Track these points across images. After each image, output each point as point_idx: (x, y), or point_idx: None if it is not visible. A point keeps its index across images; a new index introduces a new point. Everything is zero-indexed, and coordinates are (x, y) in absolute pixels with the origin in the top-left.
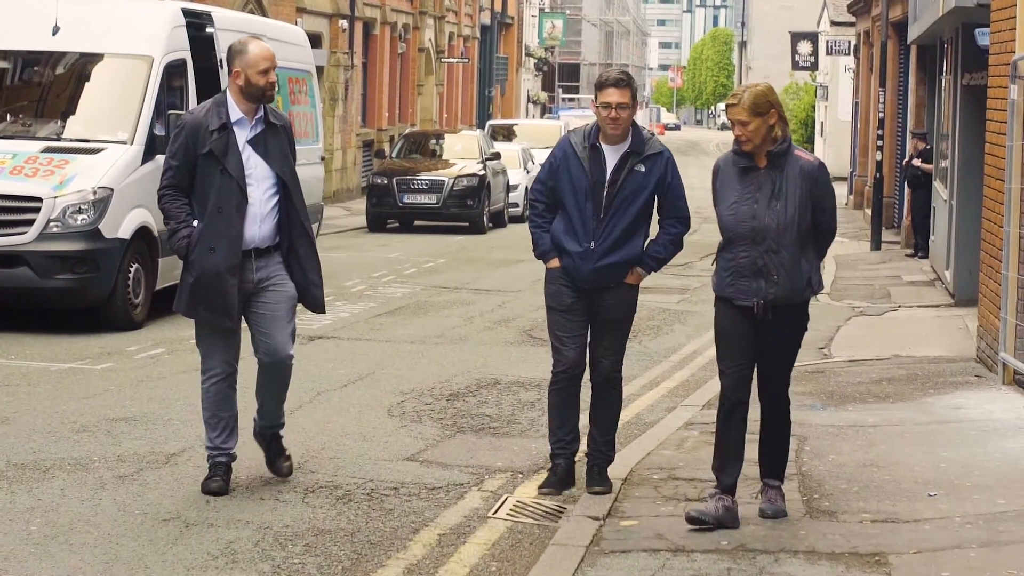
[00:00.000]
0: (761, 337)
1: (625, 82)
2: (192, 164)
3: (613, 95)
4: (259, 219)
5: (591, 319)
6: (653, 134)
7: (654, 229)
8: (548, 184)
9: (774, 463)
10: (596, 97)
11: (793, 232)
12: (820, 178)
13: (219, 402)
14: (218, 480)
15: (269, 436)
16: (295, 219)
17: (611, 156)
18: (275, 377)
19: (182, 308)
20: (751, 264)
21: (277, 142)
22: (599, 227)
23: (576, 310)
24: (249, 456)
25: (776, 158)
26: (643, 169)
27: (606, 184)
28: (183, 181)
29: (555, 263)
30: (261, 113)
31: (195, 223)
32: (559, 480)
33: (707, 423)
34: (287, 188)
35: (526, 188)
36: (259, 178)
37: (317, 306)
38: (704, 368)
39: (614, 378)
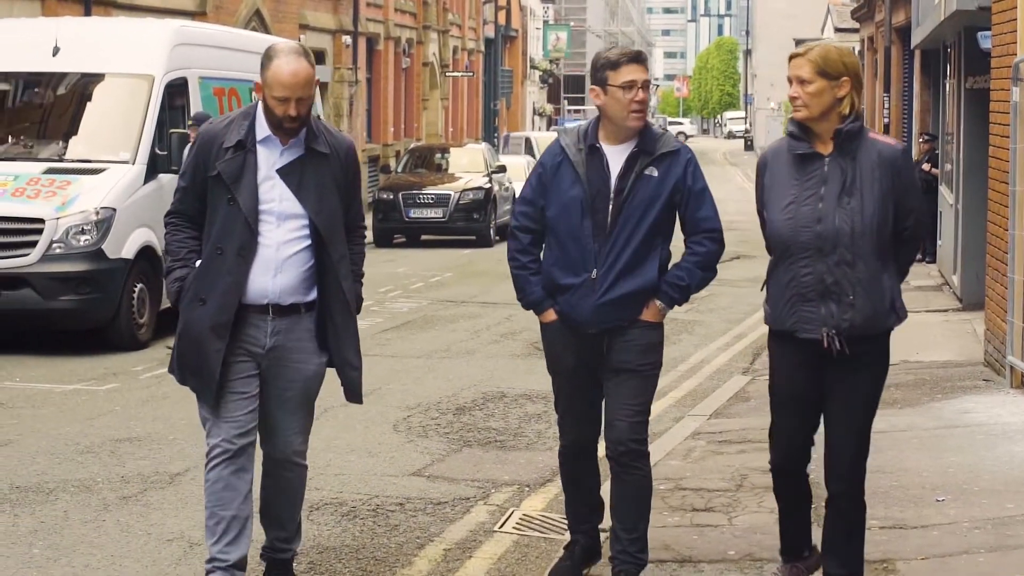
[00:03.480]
0: (829, 385)
1: (644, 57)
2: (202, 187)
3: (637, 71)
4: (275, 267)
5: (602, 372)
6: (666, 130)
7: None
8: (537, 205)
9: (849, 564)
10: (607, 80)
11: (872, 238)
12: (904, 168)
13: (219, 494)
14: None
15: (272, 562)
16: (330, 275)
17: (615, 159)
18: (277, 479)
19: (174, 371)
20: (817, 282)
21: (318, 175)
22: (602, 250)
23: (581, 374)
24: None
25: (847, 141)
26: (655, 173)
27: (610, 194)
28: (192, 207)
29: (549, 316)
30: (301, 135)
31: (198, 263)
32: (574, 564)
33: (714, 432)
34: (321, 234)
35: None
36: (282, 216)
37: (353, 394)
38: (711, 378)
39: (635, 450)
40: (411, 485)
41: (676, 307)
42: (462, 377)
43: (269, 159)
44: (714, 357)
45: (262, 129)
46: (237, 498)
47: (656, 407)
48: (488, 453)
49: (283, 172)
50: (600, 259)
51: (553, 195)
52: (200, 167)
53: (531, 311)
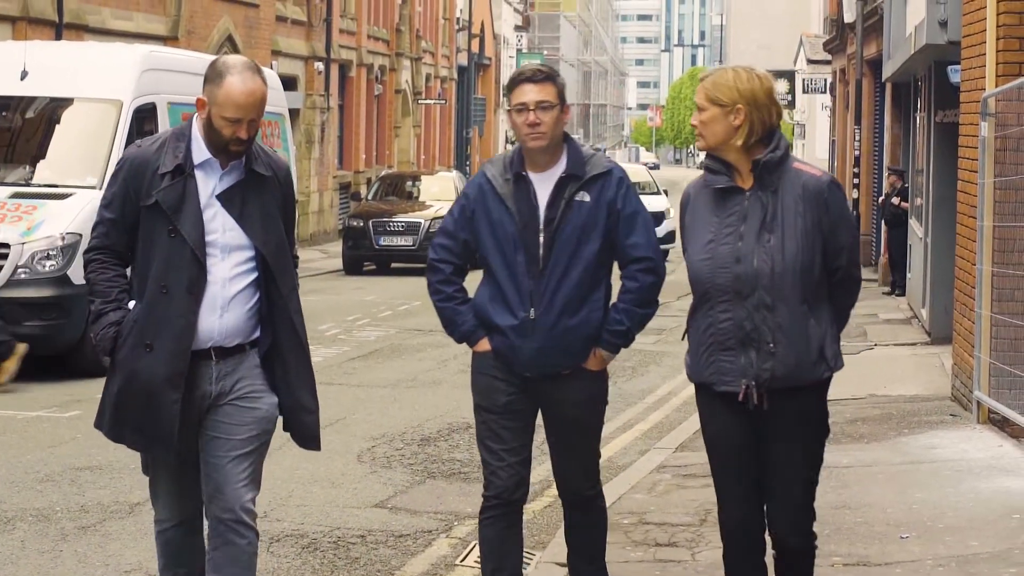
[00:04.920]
0: (760, 440)
1: (544, 75)
2: (132, 219)
3: (530, 92)
4: (221, 305)
5: (544, 422)
6: (599, 149)
7: None
8: (458, 238)
9: None
10: (509, 102)
11: (795, 279)
12: (832, 200)
13: (173, 554)
14: None
15: None
16: (280, 310)
17: (542, 187)
18: (227, 547)
19: (104, 427)
20: (736, 329)
21: (261, 200)
22: (539, 287)
23: (515, 411)
24: None
25: (766, 172)
26: (587, 198)
27: (540, 226)
28: (119, 242)
29: (484, 345)
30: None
31: (131, 304)
32: None
33: (679, 466)
34: (269, 265)
35: None
36: (226, 247)
37: (310, 439)
38: (678, 410)
39: (590, 495)
40: (373, 517)
41: (623, 350)
42: (428, 407)
43: (208, 184)
44: (681, 389)
45: (200, 151)
46: (194, 554)
47: (622, 440)
48: (452, 485)
49: (223, 198)
50: (537, 297)
51: (482, 229)
52: (130, 197)
53: (463, 343)
